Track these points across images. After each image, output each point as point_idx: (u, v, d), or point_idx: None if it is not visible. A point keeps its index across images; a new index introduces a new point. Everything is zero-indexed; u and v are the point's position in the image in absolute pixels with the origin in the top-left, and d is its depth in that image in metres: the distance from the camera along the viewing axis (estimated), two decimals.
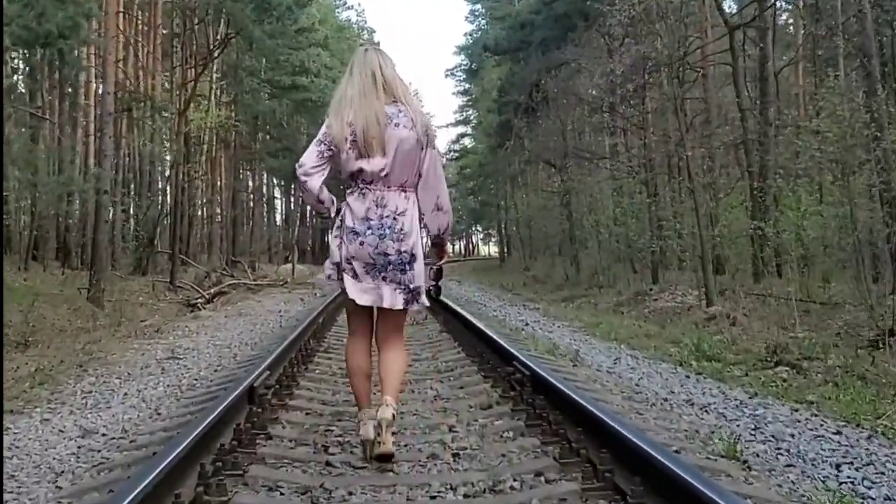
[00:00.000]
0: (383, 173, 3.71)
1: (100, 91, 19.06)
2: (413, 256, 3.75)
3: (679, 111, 16.59)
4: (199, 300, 20.51)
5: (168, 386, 6.46)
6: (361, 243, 3.72)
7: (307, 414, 4.90)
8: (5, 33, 11.39)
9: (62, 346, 9.48)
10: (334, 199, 3.89)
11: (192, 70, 23.41)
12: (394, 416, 3.66)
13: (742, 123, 19.40)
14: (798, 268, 15.68)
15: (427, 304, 3.92)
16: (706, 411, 5.18)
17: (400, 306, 3.76)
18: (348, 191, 3.82)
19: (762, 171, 18.39)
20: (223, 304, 17.24)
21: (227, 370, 7.00)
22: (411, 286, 3.75)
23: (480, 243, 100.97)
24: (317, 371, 6.62)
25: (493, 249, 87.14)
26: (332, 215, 3.90)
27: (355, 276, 3.75)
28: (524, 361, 5.41)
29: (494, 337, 7.11)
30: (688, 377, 6.79)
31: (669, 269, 21.15)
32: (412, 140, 3.73)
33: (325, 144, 3.73)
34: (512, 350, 6.14)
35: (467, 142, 69.12)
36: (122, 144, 27.71)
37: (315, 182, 3.74)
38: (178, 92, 23.93)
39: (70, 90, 24.29)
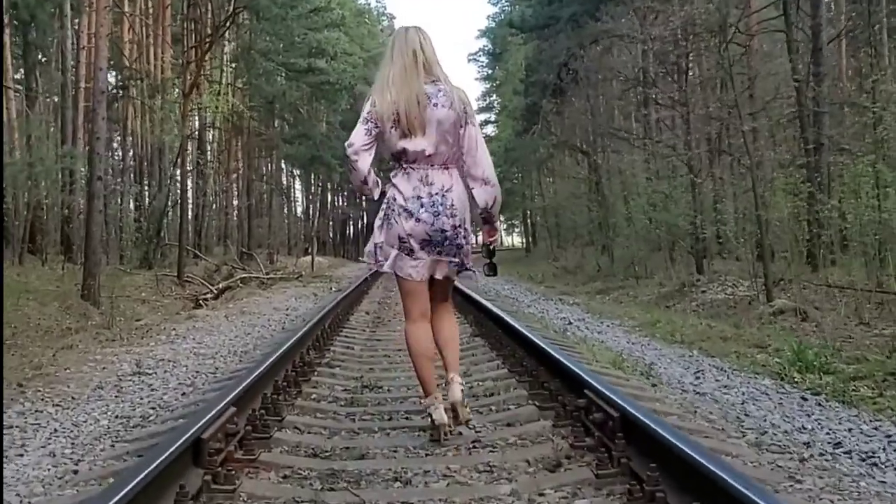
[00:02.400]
0: (426, 152, 3.78)
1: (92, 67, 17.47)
2: (466, 231, 3.90)
3: (732, 80, 14.81)
4: (207, 295, 19.03)
5: (115, 418, 4.84)
6: (417, 220, 3.78)
7: (283, 479, 3.26)
8: None
9: (28, 353, 7.93)
10: (379, 182, 3.92)
11: (198, 50, 21.83)
12: (462, 391, 3.93)
13: (798, 97, 17.53)
14: (868, 255, 13.95)
15: (470, 274, 4.08)
16: (879, 466, 3.50)
17: (455, 276, 4.02)
18: (392, 173, 3.89)
19: (817, 148, 16.59)
20: (227, 301, 15.66)
21: (198, 393, 5.39)
22: (464, 257, 3.93)
23: (504, 234, 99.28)
24: (312, 396, 4.97)
25: (517, 240, 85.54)
26: (376, 198, 3.94)
27: (411, 253, 3.83)
28: (603, 392, 3.69)
29: (541, 344, 5.47)
30: (804, 400, 5.09)
31: (713, 258, 19.31)
32: (452, 118, 3.78)
33: (371, 122, 3.76)
34: (570, 365, 4.50)
35: (490, 129, 67.31)
36: (129, 130, 26.28)
37: (365, 161, 3.79)
38: (181, 74, 22.37)
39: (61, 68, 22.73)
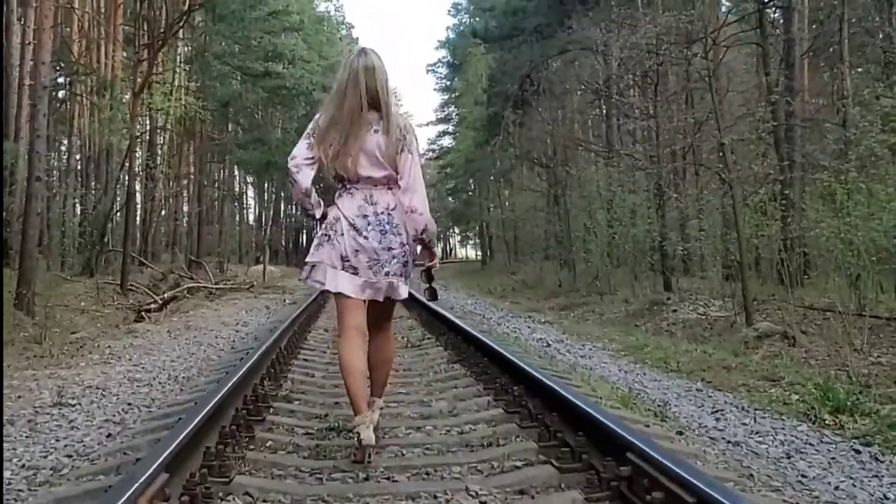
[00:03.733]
0: (366, 174, 3.82)
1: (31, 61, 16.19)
2: (411, 247, 3.91)
3: (712, 90, 14.12)
4: (152, 305, 17.88)
5: (19, 468, 3.86)
6: (365, 237, 3.80)
7: None
8: None
9: None
10: (321, 202, 3.94)
11: (150, 48, 20.66)
12: (379, 418, 4.05)
13: (773, 112, 16.96)
14: (850, 276, 13.38)
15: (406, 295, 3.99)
16: None
17: (404, 296, 3.96)
18: (337, 194, 3.93)
19: (790, 165, 16.08)
20: (172, 313, 14.56)
21: (127, 436, 4.41)
22: (406, 275, 3.92)
23: (458, 246, 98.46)
24: (268, 444, 4.02)
25: (472, 252, 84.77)
26: (317, 217, 3.94)
27: (355, 271, 3.82)
28: (657, 459, 2.80)
29: (537, 375, 4.71)
30: (857, 453, 4.28)
31: (678, 276, 18.62)
32: (391, 144, 3.79)
33: (314, 138, 3.81)
34: (588, 409, 3.68)
35: (447, 141, 66.48)
36: (75, 130, 24.95)
37: (306, 175, 3.81)
38: (131, 73, 21.19)
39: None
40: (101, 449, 4.14)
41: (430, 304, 10.52)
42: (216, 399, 4.17)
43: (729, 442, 4.43)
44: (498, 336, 9.62)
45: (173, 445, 3.12)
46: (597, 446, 3.38)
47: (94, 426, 4.76)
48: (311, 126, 3.88)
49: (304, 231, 66.91)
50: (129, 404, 5.40)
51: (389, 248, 3.81)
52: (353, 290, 3.83)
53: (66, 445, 4.29)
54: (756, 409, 5.51)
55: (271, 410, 4.76)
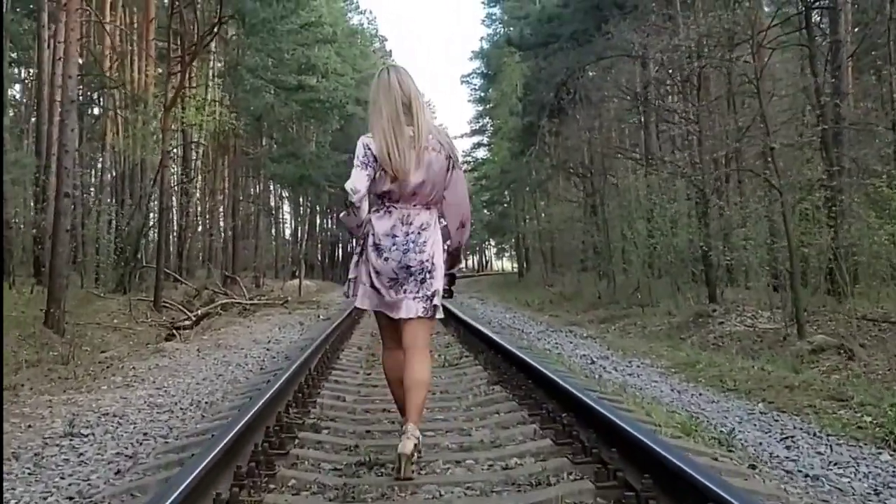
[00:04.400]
0: (412, 193, 3.78)
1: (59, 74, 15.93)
2: (433, 265, 3.81)
3: (759, 93, 13.55)
4: (186, 322, 17.62)
5: None
6: (386, 259, 3.78)
7: None
8: None
9: None
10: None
11: (182, 61, 20.49)
12: (416, 445, 3.60)
13: (822, 115, 16.31)
14: None
15: (441, 315, 3.92)
16: None
17: (420, 314, 3.80)
18: (373, 209, 3.88)
19: (840, 171, 15.42)
20: (204, 330, 14.25)
21: (137, 473, 4.00)
22: (428, 293, 3.79)
23: (494, 258, 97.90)
24: (290, 483, 3.58)
25: (507, 264, 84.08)
26: (361, 235, 3.89)
27: (379, 291, 3.82)
28: None
29: (587, 401, 4.31)
30: None
31: (723, 287, 17.99)
32: (440, 161, 3.82)
33: (370, 167, 3.76)
34: (659, 450, 3.23)
35: (481, 153, 66.03)
36: (107, 147, 24.84)
37: (366, 206, 3.83)
38: (161, 86, 21.03)
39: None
40: (107, 489, 3.74)
41: (467, 318, 10.11)
42: (234, 431, 3.77)
43: (807, 476, 3.93)
44: (539, 353, 9.15)
45: (185, 485, 2.71)
46: (667, 491, 2.90)
47: (105, 461, 4.36)
48: (361, 153, 3.77)
49: (340, 245, 66.81)
50: (145, 434, 5.01)
51: (408, 267, 3.78)
52: (378, 308, 3.88)
53: (70, 485, 3.89)
54: (829, 435, 5.00)
55: (297, 441, 4.34)
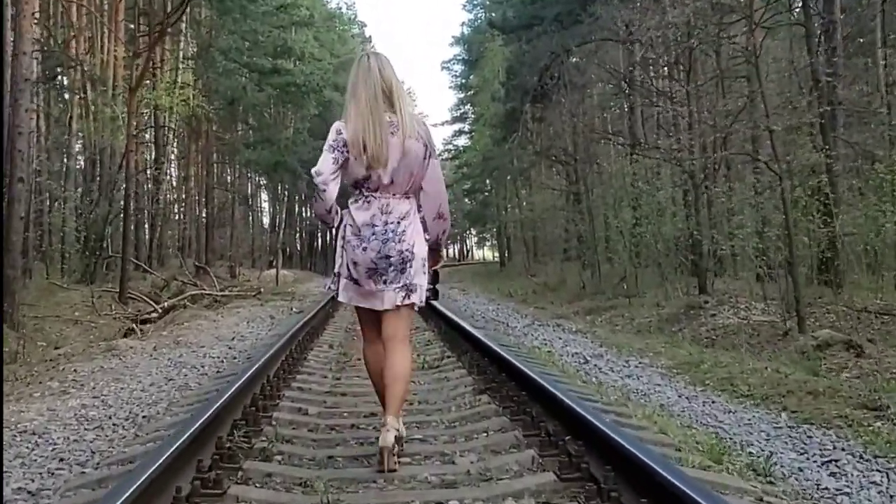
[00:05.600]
0: (388, 181, 3.71)
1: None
2: (413, 255, 3.74)
3: (758, 71, 12.80)
4: (153, 315, 16.73)
5: None
6: (364, 249, 3.71)
7: None
8: None
9: None
10: (339, 210, 3.84)
11: (148, 38, 19.48)
12: (397, 437, 3.63)
13: (820, 97, 15.58)
14: None
15: (422, 302, 3.83)
16: None
17: (399, 304, 3.74)
18: (351, 199, 3.83)
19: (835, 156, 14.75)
20: (167, 325, 13.35)
21: None
22: (408, 282, 3.73)
23: (475, 247, 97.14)
24: None
25: (489, 254, 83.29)
26: (336, 226, 3.85)
27: (357, 282, 3.76)
28: None
29: (599, 426, 3.47)
30: None
31: (712, 276, 17.26)
32: (416, 149, 3.72)
33: (337, 151, 3.69)
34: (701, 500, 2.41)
35: (462, 141, 65.10)
36: (73, 131, 23.78)
37: (333, 191, 3.71)
38: (122, 62, 20.02)
39: None
40: None
41: (448, 312, 9.31)
42: (159, 463, 2.95)
43: None
44: (528, 351, 8.34)
45: None
46: None
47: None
48: (332, 138, 3.71)
49: (319, 234, 65.77)
50: (62, 460, 4.14)
51: (387, 257, 3.69)
52: (357, 300, 3.80)
53: None
54: (876, 457, 4.22)
55: (240, 474, 3.51)
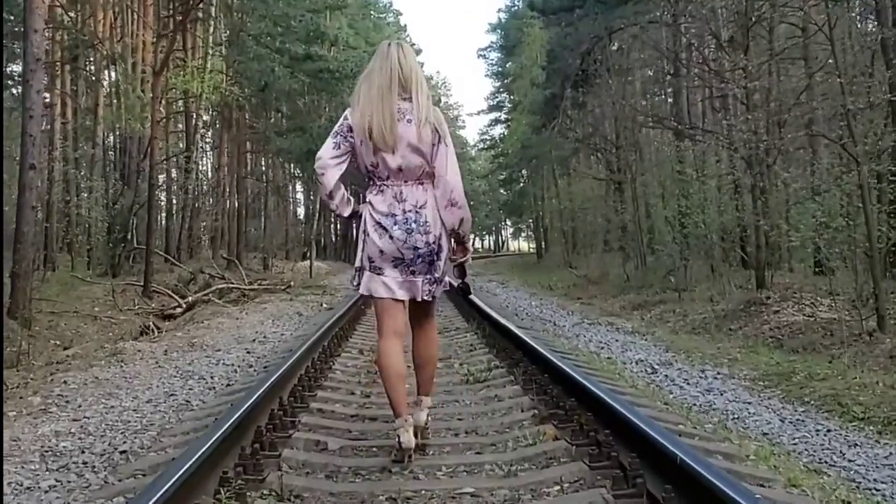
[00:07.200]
0: (398, 168, 3.69)
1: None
2: (440, 247, 3.76)
3: (832, 42, 11.58)
4: (176, 309, 15.89)
5: None
6: (391, 237, 3.68)
7: None
8: None
9: None
10: (351, 200, 3.89)
11: (173, 20, 18.60)
12: (428, 416, 3.95)
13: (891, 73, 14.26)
14: None
15: (446, 288, 3.90)
16: None
17: (427, 298, 3.79)
18: (368, 189, 3.81)
19: None
20: (187, 322, 12.45)
21: None
22: (437, 276, 3.78)
23: (510, 238, 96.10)
24: None
25: (524, 245, 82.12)
26: (346, 215, 3.89)
27: (382, 272, 3.72)
28: None
29: (722, 488, 2.42)
30: None
31: (772, 270, 16.03)
32: (424, 136, 3.68)
33: (340, 136, 3.72)
34: None
35: (499, 130, 63.95)
36: (98, 119, 23.00)
37: (332, 175, 3.72)
38: (151, 48, 19.16)
39: None
40: None
41: (490, 310, 8.26)
42: (182, 471, 2.00)
43: None
44: (586, 358, 7.26)
45: None
46: None
47: None
48: (338, 125, 3.75)
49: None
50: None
51: (415, 248, 3.68)
52: (383, 292, 3.74)
53: None
54: None
55: None
